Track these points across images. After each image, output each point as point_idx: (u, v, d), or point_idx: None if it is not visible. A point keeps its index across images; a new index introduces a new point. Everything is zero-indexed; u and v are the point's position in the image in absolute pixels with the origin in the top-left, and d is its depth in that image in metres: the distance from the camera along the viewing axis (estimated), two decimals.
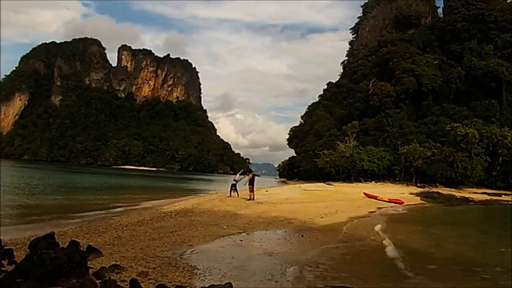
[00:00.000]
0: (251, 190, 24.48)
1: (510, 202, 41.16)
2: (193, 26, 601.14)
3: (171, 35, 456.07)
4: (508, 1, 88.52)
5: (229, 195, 25.26)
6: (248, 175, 25.92)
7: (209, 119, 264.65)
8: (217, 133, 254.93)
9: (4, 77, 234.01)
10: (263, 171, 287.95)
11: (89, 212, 17.88)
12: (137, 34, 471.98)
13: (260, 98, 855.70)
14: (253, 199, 23.97)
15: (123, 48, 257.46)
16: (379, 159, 61.06)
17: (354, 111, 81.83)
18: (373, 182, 57.38)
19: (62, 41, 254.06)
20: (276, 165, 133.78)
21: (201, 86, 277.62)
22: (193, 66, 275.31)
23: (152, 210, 19.12)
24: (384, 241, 13.80)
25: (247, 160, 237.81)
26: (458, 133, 56.17)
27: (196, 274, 7.88)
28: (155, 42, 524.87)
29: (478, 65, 73.13)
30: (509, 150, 57.27)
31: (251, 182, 24.61)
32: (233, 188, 25.27)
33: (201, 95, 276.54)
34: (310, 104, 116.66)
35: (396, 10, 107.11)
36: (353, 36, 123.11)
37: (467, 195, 46.96)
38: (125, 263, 8.01)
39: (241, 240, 11.87)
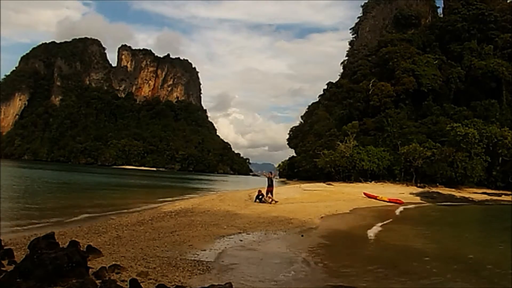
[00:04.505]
0: (268, 192, 23.57)
1: (510, 202, 41.15)
2: (193, 26, 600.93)
3: (169, 35, 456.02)
4: (508, 1, 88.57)
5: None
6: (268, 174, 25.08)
7: (209, 119, 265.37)
8: (217, 133, 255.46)
9: (4, 77, 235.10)
10: (263, 171, 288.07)
11: (89, 212, 17.87)
12: (132, 34, 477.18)
13: (260, 98, 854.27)
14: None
15: (123, 48, 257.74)
16: (379, 159, 61.06)
17: (354, 111, 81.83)
18: (373, 182, 57.38)
19: (62, 41, 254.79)
20: (276, 165, 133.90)
21: (201, 86, 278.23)
22: (193, 66, 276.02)
23: (152, 210, 19.13)
24: (383, 240, 13.82)
25: (247, 160, 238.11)
26: (458, 133, 56.18)
27: (196, 274, 7.88)
28: (154, 42, 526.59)
29: (478, 65, 73.10)
30: (509, 150, 57.26)
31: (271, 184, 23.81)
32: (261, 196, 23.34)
33: (201, 95, 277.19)
34: (310, 104, 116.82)
35: (396, 10, 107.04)
36: (353, 36, 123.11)
37: (467, 195, 46.96)
38: (125, 263, 8.01)
39: (241, 240, 11.87)
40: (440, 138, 63.09)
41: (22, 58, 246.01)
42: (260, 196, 23.30)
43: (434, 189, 50.72)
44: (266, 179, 24.65)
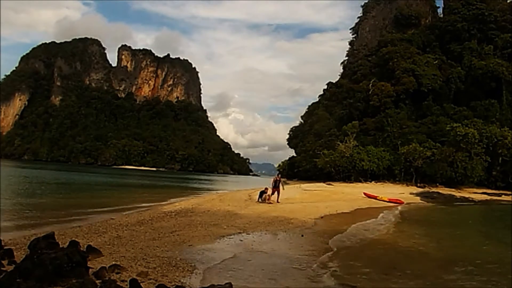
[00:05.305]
0: (273, 193, 23.72)
1: (510, 202, 41.14)
2: (192, 26, 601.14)
3: (168, 35, 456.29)
4: (508, 1, 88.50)
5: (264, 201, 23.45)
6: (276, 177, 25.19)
7: (209, 119, 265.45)
8: (217, 133, 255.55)
9: (4, 77, 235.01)
10: (263, 171, 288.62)
11: (89, 212, 17.89)
12: (131, 34, 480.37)
13: (259, 98, 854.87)
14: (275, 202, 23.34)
15: (123, 48, 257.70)
16: (379, 159, 60.99)
17: (354, 111, 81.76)
18: (373, 182, 57.32)
19: (62, 41, 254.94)
20: (276, 165, 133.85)
21: (201, 86, 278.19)
22: (193, 66, 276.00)
23: (152, 210, 19.14)
24: (383, 240, 13.82)
25: (247, 160, 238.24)
26: (458, 133, 56.11)
27: (196, 274, 7.88)
28: (153, 42, 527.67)
29: (478, 65, 73.04)
30: (509, 150, 57.21)
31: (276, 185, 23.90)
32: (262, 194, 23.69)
33: (201, 95, 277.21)
34: (310, 104, 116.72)
35: (396, 10, 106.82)
36: (353, 36, 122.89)
37: (467, 195, 46.95)
38: (125, 263, 8.01)
39: (241, 240, 11.88)
40: (440, 138, 63.03)
41: (22, 58, 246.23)
42: (264, 195, 23.38)
43: (434, 189, 50.68)
44: (273, 181, 24.64)
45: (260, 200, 23.41)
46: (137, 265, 8.10)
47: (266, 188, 24.08)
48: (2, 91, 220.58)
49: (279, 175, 26.59)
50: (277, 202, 23.35)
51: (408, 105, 76.47)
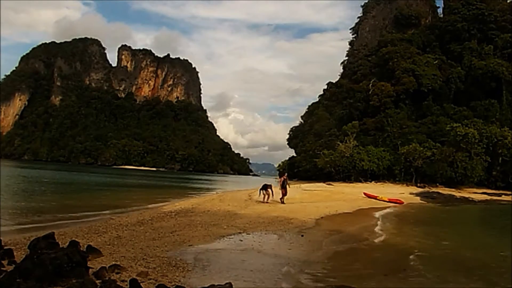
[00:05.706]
0: (283, 193, 23.81)
1: (510, 202, 41.14)
2: (192, 26, 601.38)
3: (168, 35, 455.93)
4: (508, 1, 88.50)
5: (263, 200, 23.24)
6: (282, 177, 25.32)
7: (209, 119, 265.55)
8: (217, 133, 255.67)
9: (4, 77, 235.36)
10: (263, 171, 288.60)
11: (89, 212, 17.89)
12: (130, 34, 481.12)
13: (259, 98, 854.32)
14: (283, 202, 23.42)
15: (123, 48, 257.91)
16: (379, 159, 60.98)
17: (354, 111, 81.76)
18: (373, 182, 57.30)
19: (62, 41, 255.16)
20: (276, 165, 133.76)
21: (201, 86, 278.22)
22: (193, 66, 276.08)
23: (152, 210, 19.15)
24: (383, 241, 13.82)
25: (247, 160, 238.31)
26: (458, 133, 56.09)
27: (196, 274, 7.88)
28: (152, 42, 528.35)
29: (478, 65, 73.04)
30: (509, 150, 57.20)
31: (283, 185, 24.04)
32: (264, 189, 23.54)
33: (201, 95, 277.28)
34: (310, 104, 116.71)
35: (396, 10, 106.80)
36: (353, 36, 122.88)
37: (467, 195, 46.92)
38: (125, 263, 8.01)
39: (241, 240, 11.87)
40: (440, 138, 63.02)
41: (22, 58, 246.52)
42: (264, 191, 23.26)
43: (434, 189, 50.63)
44: (281, 181, 24.83)
45: (260, 195, 23.41)
46: (137, 265, 8.10)
47: (270, 186, 23.99)
48: (2, 91, 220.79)
49: (286, 174, 26.69)
50: (283, 203, 23.19)
51: (408, 105, 76.46)
